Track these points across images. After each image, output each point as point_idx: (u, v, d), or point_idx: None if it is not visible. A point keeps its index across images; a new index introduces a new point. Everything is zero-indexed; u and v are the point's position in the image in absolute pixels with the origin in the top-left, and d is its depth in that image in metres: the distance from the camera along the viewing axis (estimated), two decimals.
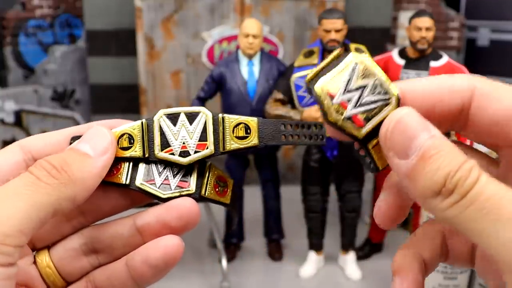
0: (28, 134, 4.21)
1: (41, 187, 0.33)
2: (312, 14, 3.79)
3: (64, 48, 4.44)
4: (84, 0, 4.00)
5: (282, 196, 2.94)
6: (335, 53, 0.35)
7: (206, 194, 0.41)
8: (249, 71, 2.71)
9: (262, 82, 2.69)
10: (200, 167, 0.41)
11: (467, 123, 0.34)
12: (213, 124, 0.40)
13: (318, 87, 0.34)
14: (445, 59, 2.64)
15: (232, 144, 0.41)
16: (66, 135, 0.39)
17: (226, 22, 3.79)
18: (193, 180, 0.41)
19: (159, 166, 0.41)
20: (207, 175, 0.42)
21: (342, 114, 0.34)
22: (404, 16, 4.04)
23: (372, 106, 0.34)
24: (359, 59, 0.34)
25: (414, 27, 2.61)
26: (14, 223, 0.30)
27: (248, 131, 0.41)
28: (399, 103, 0.34)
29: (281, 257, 2.91)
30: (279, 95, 2.56)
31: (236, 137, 0.41)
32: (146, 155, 0.40)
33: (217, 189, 0.42)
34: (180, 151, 0.40)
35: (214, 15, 3.78)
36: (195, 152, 0.40)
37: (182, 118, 0.40)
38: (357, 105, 0.34)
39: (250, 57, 2.69)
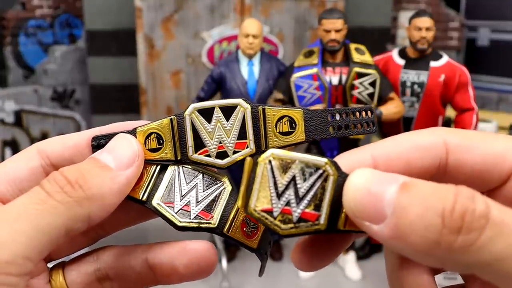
0: (28, 134, 4.21)
1: (50, 206, 0.29)
2: (312, 14, 3.79)
3: (64, 48, 4.43)
4: (84, 0, 4.00)
5: None
6: (246, 165, 0.31)
7: (230, 232, 0.36)
8: (249, 71, 2.71)
9: (262, 82, 2.69)
10: (230, 198, 0.36)
11: (445, 176, 0.31)
12: (253, 118, 0.35)
13: (251, 210, 0.30)
14: (445, 59, 2.64)
15: (276, 141, 0.35)
16: (86, 138, 0.36)
17: (226, 22, 3.79)
18: (218, 212, 0.35)
19: (183, 187, 0.35)
20: (235, 209, 0.36)
21: (290, 221, 0.29)
22: (404, 16, 4.04)
23: (313, 191, 0.29)
24: (268, 156, 0.30)
25: (414, 27, 2.60)
26: (17, 249, 0.27)
27: (293, 125, 0.35)
28: (337, 167, 0.29)
29: (281, 257, 2.90)
30: (279, 95, 2.56)
31: (279, 132, 0.35)
32: (179, 157, 0.35)
33: (244, 229, 0.36)
34: (217, 152, 0.35)
35: (214, 15, 3.78)
36: (234, 152, 0.35)
37: (217, 113, 0.35)
38: (299, 201, 0.30)
39: (250, 57, 2.69)
